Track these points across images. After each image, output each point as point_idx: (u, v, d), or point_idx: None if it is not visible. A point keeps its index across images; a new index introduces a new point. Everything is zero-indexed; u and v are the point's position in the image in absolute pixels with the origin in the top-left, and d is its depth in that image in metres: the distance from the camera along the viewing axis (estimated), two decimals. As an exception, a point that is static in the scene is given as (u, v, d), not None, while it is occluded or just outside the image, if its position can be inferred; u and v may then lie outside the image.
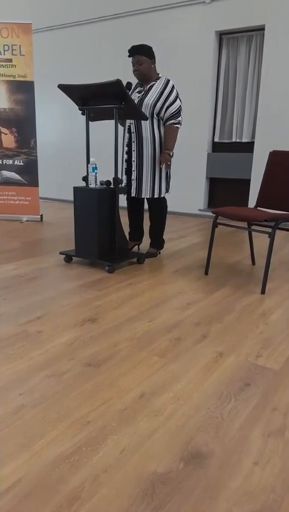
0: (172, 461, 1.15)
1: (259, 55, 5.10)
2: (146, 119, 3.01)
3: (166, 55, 5.48)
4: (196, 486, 1.06)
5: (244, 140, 5.37)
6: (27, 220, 4.99)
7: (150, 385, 1.52)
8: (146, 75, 3.04)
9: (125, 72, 5.66)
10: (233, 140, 5.46)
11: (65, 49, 6.45)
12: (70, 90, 2.90)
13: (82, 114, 3.03)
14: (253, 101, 5.26)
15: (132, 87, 3.17)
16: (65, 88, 2.88)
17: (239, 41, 5.19)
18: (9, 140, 4.81)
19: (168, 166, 3.16)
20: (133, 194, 3.22)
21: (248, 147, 5.34)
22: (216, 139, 5.59)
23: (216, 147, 5.63)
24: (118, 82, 2.62)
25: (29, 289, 2.57)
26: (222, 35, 5.27)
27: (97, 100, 2.89)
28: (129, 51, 3.00)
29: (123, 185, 3.23)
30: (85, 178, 3.05)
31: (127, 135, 3.18)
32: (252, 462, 1.15)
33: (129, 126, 3.14)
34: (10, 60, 4.59)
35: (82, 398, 1.43)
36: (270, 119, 5.00)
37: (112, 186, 3.02)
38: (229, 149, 5.52)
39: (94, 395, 1.45)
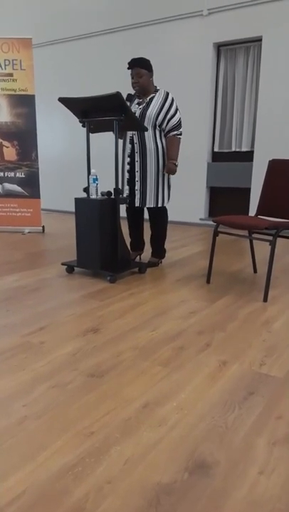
0: (177, 471, 1.14)
1: (257, 66, 5.17)
2: (146, 130, 3.04)
3: (165, 66, 5.56)
4: (201, 496, 1.06)
5: (243, 149, 5.41)
6: (29, 232, 5.01)
7: (154, 395, 1.52)
8: (145, 87, 3.11)
9: (125, 85, 5.72)
10: (233, 149, 5.50)
11: (66, 63, 6.55)
12: (70, 103, 2.94)
13: (83, 126, 3.06)
14: (251, 111, 5.31)
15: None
16: (66, 101, 2.92)
17: (237, 52, 5.26)
18: (11, 153, 4.86)
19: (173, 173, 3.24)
20: (137, 204, 3.23)
21: (248, 156, 5.38)
22: (216, 149, 5.63)
23: (216, 157, 5.67)
24: (118, 94, 2.65)
25: (31, 300, 2.57)
26: (220, 47, 5.35)
27: (97, 112, 2.93)
28: (129, 64, 3.06)
29: (125, 195, 3.26)
30: (86, 189, 3.08)
31: (129, 146, 3.20)
32: (257, 471, 1.14)
33: (132, 137, 3.17)
34: (11, 75, 4.66)
35: (85, 409, 1.43)
36: (268, 128, 5.04)
37: (113, 197, 3.04)
38: (229, 159, 5.56)
39: (97, 406, 1.45)
